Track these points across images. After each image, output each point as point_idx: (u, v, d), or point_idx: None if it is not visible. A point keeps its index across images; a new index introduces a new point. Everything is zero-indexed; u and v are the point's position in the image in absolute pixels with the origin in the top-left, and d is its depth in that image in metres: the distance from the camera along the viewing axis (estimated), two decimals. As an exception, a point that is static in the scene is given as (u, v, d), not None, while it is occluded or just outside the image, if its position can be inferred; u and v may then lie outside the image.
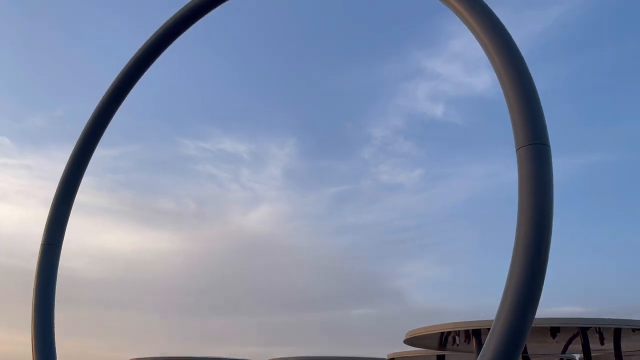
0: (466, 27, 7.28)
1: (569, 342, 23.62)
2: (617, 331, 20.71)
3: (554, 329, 20.90)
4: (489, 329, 19.85)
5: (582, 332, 20.83)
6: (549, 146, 6.45)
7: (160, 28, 8.78)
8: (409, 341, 26.71)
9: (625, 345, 23.30)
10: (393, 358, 34.29)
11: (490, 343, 5.88)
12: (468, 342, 24.99)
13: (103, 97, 8.79)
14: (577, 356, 29.81)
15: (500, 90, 6.65)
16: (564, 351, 26.13)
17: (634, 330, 20.43)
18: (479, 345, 22.30)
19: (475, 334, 22.21)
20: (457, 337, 24.18)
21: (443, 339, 25.66)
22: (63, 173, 8.60)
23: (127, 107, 8.92)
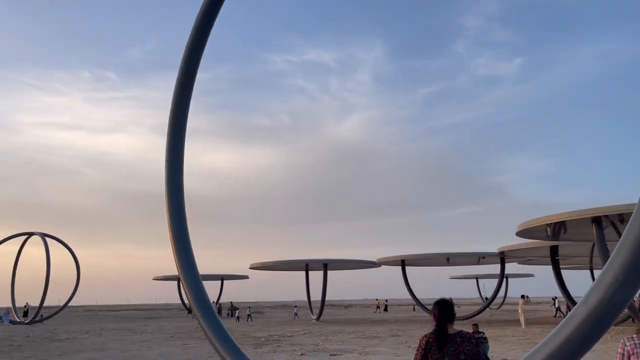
0: None
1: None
2: None
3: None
4: (607, 216, 19.88)
5: None
6: None
7: None
8: (522, 233, 26.50)
9: None
10: (503, 251, 34.27)
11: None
12: (586, 231, 25.08)
13: (197, 17, 9.06)
14: None
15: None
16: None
17: None
18: (600, 233, 22.09)
19: (595, 222, 21.80)
20: (568, 228, 24.26)
21: (556, 230, 25.05)
22: (174, 93, 8.49)
23: (213, 30, 8.86)
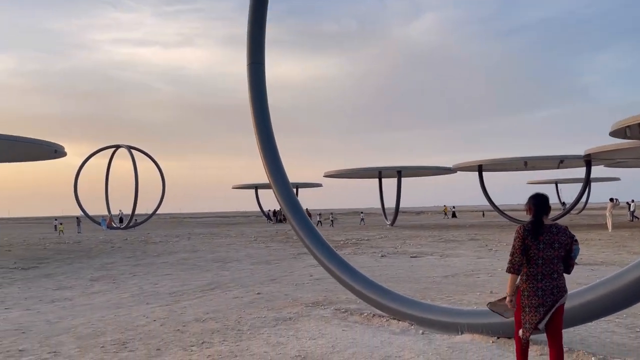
0: None
1: None
2: None
3: None
4: None
5: None
6: None
7: None
8: (616, 133, 25.03)
9: None
10: (590, 154, 33.08)
11: None
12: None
13: None
14: None
15: None
16: None
17: None
18: None
19: None
20: None
21: None
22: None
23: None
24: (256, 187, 57.80)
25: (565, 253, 4.29)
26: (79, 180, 47.76)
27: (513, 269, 4.24)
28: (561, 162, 36.19)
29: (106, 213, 52.07)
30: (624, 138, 26.61)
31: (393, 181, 42.69)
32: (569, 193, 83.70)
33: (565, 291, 4.30)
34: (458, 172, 42.31)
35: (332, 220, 48.08)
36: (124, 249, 23.25)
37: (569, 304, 5.13)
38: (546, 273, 4.20)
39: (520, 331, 4.34)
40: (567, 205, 44.72)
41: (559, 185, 72.48)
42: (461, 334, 6.23)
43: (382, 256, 17.36)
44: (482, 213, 64.74)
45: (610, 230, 26.51)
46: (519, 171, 45.88)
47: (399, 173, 41.07)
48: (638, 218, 38.19)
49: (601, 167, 41.54)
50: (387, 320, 7.17)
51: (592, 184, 56.33)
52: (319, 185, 63.69)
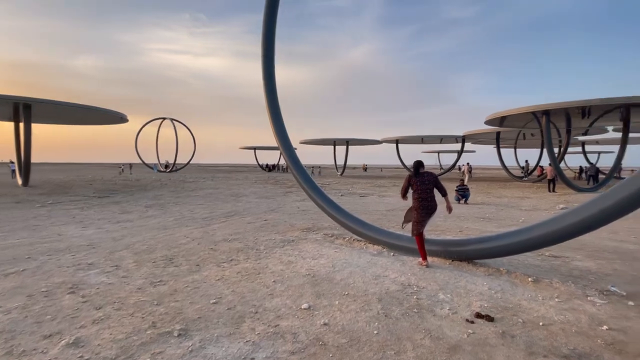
0: None
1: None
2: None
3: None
4: (555, 110, 18.39)
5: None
6: None
7: None
8: (490, 121, 24.73)
9: None
10: (466, 135, 33.63)
11: None
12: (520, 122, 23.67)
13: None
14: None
15: None
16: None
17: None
18: (547, 123, 20.02)
19: (545, 114, 19.45)
20: (507, 120, 22.87)
21: (503, 120, 23.71)
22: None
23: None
24: (255, 148, 56.96)
25: (433, 186, 5.05)
26: (138, 140, 46.17)
27: (401, 194, 5.23)
28: (442, 139, 37.36)
29: (156, 162, 49.95)
30: (496, 125, 26.76)
31: (343, 148, 42.46)
32: (449, 159, 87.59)
33: (436, 208, 5.04)
34: (384, 143, 42.47)
35: (319, 172, 47.48)
36: (169, 186, 21.63)
37: (509, 240, 4.65)
38: (424, 197, 5.00)
39: (414, 232, 5.06)
40: (447, 167, 46.12)
41: (440, 154, 75.28)
42: (423, 256, 5.64)
43: (341, 195, 16.73)
44: (380, 169, 65.29)
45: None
46: (418, 144, 46.45)
47: (347, 142, 40.73)
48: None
49: (468, 143, 42.57)
50: (364, 244, 6.52)
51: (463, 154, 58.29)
52: (295, 148, 61.48)
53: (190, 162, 53.74)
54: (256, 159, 58.99)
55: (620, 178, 32.62)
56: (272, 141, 7.69)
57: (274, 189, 19.99)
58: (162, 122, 48.33)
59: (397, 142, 39.52)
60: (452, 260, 5.26)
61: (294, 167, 7.18)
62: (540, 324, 3.39)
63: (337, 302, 3.83)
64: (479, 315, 3.51)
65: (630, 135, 20.22)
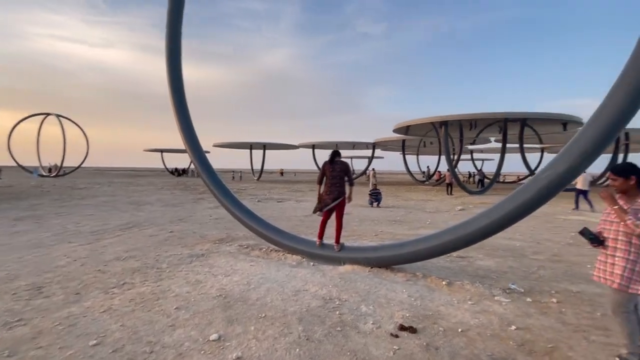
0: None
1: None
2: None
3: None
4: (449, 122, 20.55)
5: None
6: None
7: None
8: (398, 130, 26.60)
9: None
10: (376, 142, 35.83)
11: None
12: (437, 131, 26.14)
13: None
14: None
15: None
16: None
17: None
18: (446, 133, 22.10)
19: (443, 124, 21.79)
20: (412, 129, 25.15)
21: (408, 129, 25.75)
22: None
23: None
24: (162, 151, 52.36)
25: (344, 174, 5.35)
26: (12, 139, 38.64)
27: (317, 181, 5.47)
28: (354, 145, 39.04)
29: (37, 165, 42.01)
30: (402, 134, 28.89)
31: (260, 152, 41.21)
32: (361, 164, 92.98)
33: (344, 194, 5.33)
34: (301, 148, 42.91)
35: (240, 177, 45.14)
36: (52, 193, 18.20)
37: (426, 244, 4.71)
38: (333, 183, 5.28)
39: (316, 209, 5.42)
40: (360, 172, 48.65)
41: (353, 159, 79.80)
42: (343, 264, 5.45)
43: (258, 201, 16.08)
44: (294, 173, 66.07)
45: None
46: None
47: (264, 147, 39.78)
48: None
49: (378, 150, 45.61)
50: (282, 254, 6.10)
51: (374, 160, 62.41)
52: (207, 152, 58.32)
53: (82, 166, 46.88)
54: (163, 162, 54.56)
55: (503, 182, 38.08)
56: (177, 144, 6.86)
57: (184, 196, 18.38)
58: (45, 118, 41.11)
59: (313, 147, 40.35)
60: (372, 268, 5.16)
61: (204, 172, 6.49)
62: (459, 330, 3.38)
63: (252, 328, 3.33)
64: (402, 328, 3.37)
65: (508, 145, 23.52)
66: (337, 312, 3.71)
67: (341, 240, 5.64)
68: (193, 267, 5.34)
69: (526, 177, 38.04)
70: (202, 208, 12.95)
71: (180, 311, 3.70)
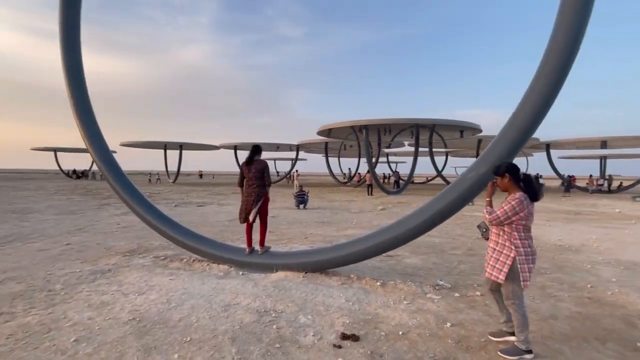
0: None
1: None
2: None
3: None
4: (370, 126, 21.62)
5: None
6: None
7: None
8: (321, 132, 26.89)
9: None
10: (300, 144, 35.95)
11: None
12: (357, 135, 27.14)
13: None
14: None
15: None
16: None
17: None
18: (366, 136, 22.84)
19: (364, 128, 22.49)
20: (334, 132, 26.01)
21: (330, 132, 26.20)
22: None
23: None
24: (55, 150, 45.20)
25: (260, 174, 5.02)
26: None
27: (238, 184, 5.16)
28: (277, 147, 38.91)
29: None
30: (325, 136, 29.43)
31: (175, 152, 38.38)
32: (284, 166, 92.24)
33: (263, 195, 5.03)
34: (222, 149, 40.94)
35: (157, 179, 40.58)
36: None
37: (360, 246, 4.66)
38: (250, 184, 5.02)
39: (240, 219, 5.06)
40: (286, 173, 48.71)
41: (276, 161, 79.16)
42: (276, 271, 5.12)
43: (175, 205, 14.73)
44: (213, 175, 63.24)
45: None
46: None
47: (181, 147, 37.09)
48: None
49: (301, 152, 46.25)
50: (207, 264, 5.51)
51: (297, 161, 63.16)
52: (114, 152, 52.10)
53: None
54: (57, 163, 47.35)
55: (413, 183, 41.27)
56: (82, 142, 5.81)
57: (84, 202, 16.01)
58: None
59: (235, 148, 38.49)
60: (306, 273, 4.92)
61: (109, 173, 5.59)
62: (400, 333, 3.32)
63: (176, 356, 2.82)
64: (344, 337, 3.18)
65: (420, 149, 25.55)
66: (274, 326, 3.37)
67: (271, 245, 5.33)
68: (97, 286, 4.48)
69: (434, 177, 42.08)
70: (107, 215, 11.36)
71: (81, 344, 2.99)
